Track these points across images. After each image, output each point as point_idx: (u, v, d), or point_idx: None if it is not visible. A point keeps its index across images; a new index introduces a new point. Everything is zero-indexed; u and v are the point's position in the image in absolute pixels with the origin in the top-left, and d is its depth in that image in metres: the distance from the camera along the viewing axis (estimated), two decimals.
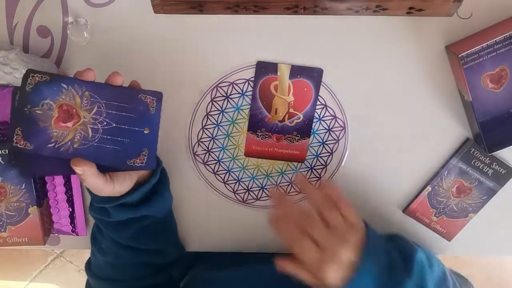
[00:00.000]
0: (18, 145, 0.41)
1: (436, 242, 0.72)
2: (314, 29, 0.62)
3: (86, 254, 0.69)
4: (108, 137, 0.45)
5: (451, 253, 0.74)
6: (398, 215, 0.71)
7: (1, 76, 0.59)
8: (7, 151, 0.60)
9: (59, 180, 0.67)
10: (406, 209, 0.70)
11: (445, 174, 0.68)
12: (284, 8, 0.58)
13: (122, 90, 0.46)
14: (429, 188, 0.69)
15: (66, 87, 0.42)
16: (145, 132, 0.47)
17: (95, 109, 0.44)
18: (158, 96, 0.49)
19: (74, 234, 0.70)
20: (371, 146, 0.67)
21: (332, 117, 0.66)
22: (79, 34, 0.61)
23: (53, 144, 0.42)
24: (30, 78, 0.41)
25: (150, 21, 0.61)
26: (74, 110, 0.42)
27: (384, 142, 0.67)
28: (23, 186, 0.62)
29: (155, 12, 0.59)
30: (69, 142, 0.43)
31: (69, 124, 0.43)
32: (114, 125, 0.45)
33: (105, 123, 0.44)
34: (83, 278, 0.69)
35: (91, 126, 0.44)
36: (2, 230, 0.64)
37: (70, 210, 0.69)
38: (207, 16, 0.61)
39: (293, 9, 0.58)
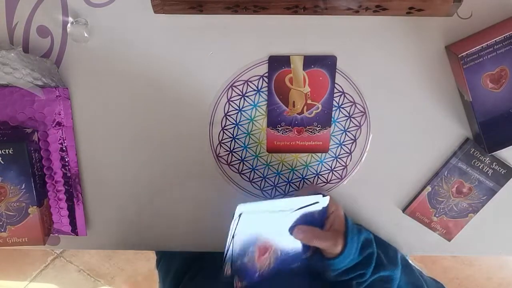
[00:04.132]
0: (237, 287, 0.55)
1: (436, 242, 0.72)
2: (317, 27, 0.62)
3: (86, 254, 0.69)
4: (285, 252, 0.58)
5: (451, 253, 0.74)
6: (398, 215, 0.71)
7: (1, 76, 0.59)
8: (7, 151, 0.60)
9: (59, 180, 0.67)
10: (406, 209, 0.70)
11: (445, 174, 0.68)
12: (284, 8, 0.58)
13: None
14: (429, 188, 0.69)
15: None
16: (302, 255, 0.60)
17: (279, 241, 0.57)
18: (322, 209, 0.58)
19: (74, 234, 0.70)
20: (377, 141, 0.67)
21: (351, 103, 0.65)
22: (79, 34, 0.61)
23: (258, 273, 0.56)
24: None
25: (150, 21, 0.61)
26: (268, 243, 0.55)
27: (384, 142, 0.67)
28: (23, 186, 0.62)
29: (155, 12, 0.59)
30: (268, 265, 0.57)
31: (267, 255, 0.56)
32: (287, 249, 0.58)
33: (283, 248, 0.57)
34: (83, 278, 0.69)
35: (279, 249, 0.57)
36: (2, 230, 0.64)
37: (70, 210, 0.69)
38: (207, 16, 0.61)
39: (293, 9, 0.58)
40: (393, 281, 0.60)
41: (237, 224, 0.51)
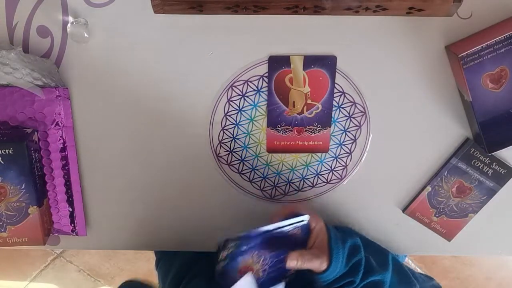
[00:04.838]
0: None
1: (436, 242, 0.72)
2: (317, 27, 0.62)
3: (86, 254, 0.69)
4: (270, 270, 0.58)
5: (451, 253, 0.74)
6: (398, 215, 0.71)
7: (1, 76, 0.59)
8: (7, 151, 0.60)
9: (59, 180, 0.67)
10: (406, 209, 0.70)
11: (445, 174, 0.68)
12: (284, 8, 0.58)
13: (280, 243, 0.58)
14: (429, 188, 0.69)
15: (245, 256, 0.56)
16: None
17: (261, 261, 0.57)
18: (304, 226, 0.59)
19: (74, 234, 0.70)
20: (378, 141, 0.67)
21: (351, 103, 0.65)
22: (79, 34, 0.61)
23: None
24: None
25: (150, 21, 0.61)
26: (250, 267, 0.56)
27: (384, 142, 0.67)
28: (23, 186, 0.62)
29: (155, 12, 0.59)
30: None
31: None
32: (275, 260, 0.58)
33: (268, 263, 0.58)
34: (83, 278, 0.69)
35: (261, 270, 0.58)
36: (2, 230, 0.64)
37: (70, 210, 0.69)
38: (207, 16, 0.61)
39: (293, 9, 0.58)
40: (384, 284, 0.60)
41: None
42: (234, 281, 0.54)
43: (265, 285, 0.56)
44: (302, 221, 0.58)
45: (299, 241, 0.58)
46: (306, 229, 0.59)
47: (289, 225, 0.57)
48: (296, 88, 0.64)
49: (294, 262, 0.55)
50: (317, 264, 0.56)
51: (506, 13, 0.60)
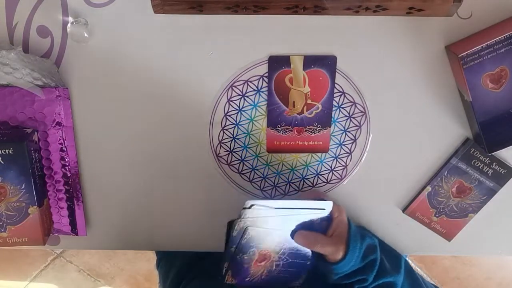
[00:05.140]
0: (227, 281, 0.57)
1: (436, 242, 0.72)
2: (317, 27, 0.62)
3: (86, 254, 0.69)
4: (283, 269, 0.59)
5: (451, 253, 0.74)
6: (398, 215, 0.71)
7: (1, 76, 0.59)
8: (7, 151, 0.60)
9: (59, 180, 0.67)
10: (406, 209, 0.71)
11: (445, 174, 0.68)
12: (284, 8, 0.58)
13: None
14: (429, 188, 0.69)
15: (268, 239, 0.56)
16: (308, 263, 0.60)
17: (281, 250, 0.57)
18: (326, 216, 0.59)
19: (74, 234, 0.70)
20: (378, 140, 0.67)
21: (351, 103, 0.65)
22: (79, 34, 0.61)
23: (249, 278, 0.57)
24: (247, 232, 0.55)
25: (150, 21, 0.61)
26: (269, 253, 0.56)
27: (384, 142, 0.67)
28: (23, 186, 0.62)
29: (155, 12, 0.59)
30: (260, 275, 0.58)
31: (263, 263, 0.57)
32: (290, 260, 0.58)
33: (284, 260, 0.58)
34: (83, 278, 0.69)
35: (276, 262, 0.58)
36: (2, 230, 0.64)
37: (70, 210, 0.69)
38: (207, 16, 0.61)
39: (293, 9, 0.58)
40: (396, 286, 0.60)
41: (244, 216, 0.53)
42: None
43: (272, 281, 0.57)
44: (324, 209, 0.57)
45: (316, 230, 0.58)
46: (327, 218, 0.59)
47: (312, 208, 0.57)
48: (296, 88, 0.64)
49: (301, 238, 0.56)
50: (332, 251, 0.56)
51: (506, 13, 0.60)
